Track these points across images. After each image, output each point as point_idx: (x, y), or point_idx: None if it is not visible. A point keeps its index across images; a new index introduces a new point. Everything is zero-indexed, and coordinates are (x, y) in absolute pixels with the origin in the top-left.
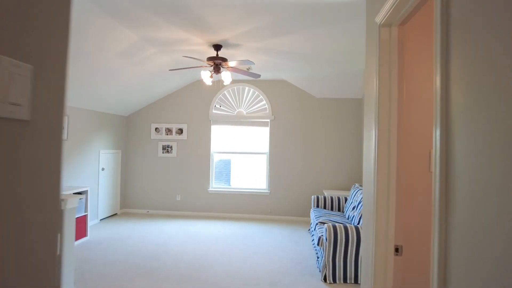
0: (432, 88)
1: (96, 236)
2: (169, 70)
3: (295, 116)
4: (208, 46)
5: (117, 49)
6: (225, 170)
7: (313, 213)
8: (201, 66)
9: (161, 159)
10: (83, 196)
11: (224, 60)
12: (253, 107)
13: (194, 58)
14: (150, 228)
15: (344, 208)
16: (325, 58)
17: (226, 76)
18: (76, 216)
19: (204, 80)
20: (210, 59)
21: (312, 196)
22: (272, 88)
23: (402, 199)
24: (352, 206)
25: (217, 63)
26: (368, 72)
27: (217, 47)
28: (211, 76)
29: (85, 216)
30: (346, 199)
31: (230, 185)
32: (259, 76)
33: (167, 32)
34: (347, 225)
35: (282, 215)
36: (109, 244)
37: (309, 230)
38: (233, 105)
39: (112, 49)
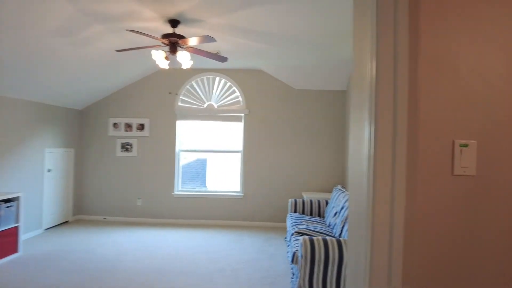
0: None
1: (32, 251)
2: (116, 51)
3: (272, 110)
4: (163, 22)
5: (50, 24)
6: (202, 171)
7: (289, 220)
8: (154, 46)
9: (120, 158)
10: None
11: (182, 37)
12: (225, 100)
13: (141, 33)
14: (103, 239)
15: (325, 213)
16: (306, 42)
17: (183, 57)
18: (3, 229)
19: (157, 63)
20: (165, 36)
21: (290, 200)
22: (246, 79)
23: (417, 218)
24: (334, 212)
25: (174, 41)
26: (357, 38)
27: (174, 22)
28: (167, 58)
29: (15, 228)
30: (327, 203)
31: (206, 187)
32: (225, 59)
33: (109, 1)
34: (327, 238)
35: (257, 221)
36: (46, 262)
37: (285, 238)
38: (202, 97)
39: (43, 23)
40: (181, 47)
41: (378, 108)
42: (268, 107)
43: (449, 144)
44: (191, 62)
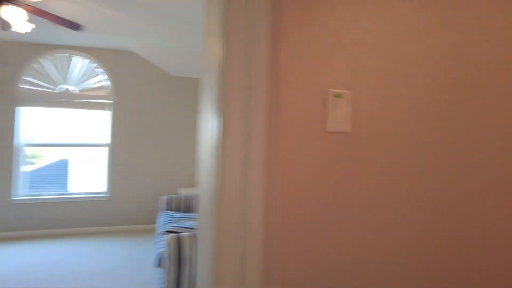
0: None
1: None
2: None
3: (145, 97)
4: None
5: None
6: (64, 173)
7: (161, 219)
8: None
9: None
10: None
11: None
12: (88, 84)
13: None
14: None
15: None
16: (183, 18)
17: (13, 14)
18: None
19: None
20: None
21: (163, 197)
22: (114, 60)
23: (281, 191)
24: None
25: None
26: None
27: None
28: None
29: None
30: None
31: (67, 191)
32: (79, 27)
33: None
34: (196, 233)
35: (126, 224)
36: None
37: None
38: (56, 79)
39: None
40: (12, 2)
41: (229, 54)
42: (140, 94)
43: (320, 94)
44: (32, 26)
